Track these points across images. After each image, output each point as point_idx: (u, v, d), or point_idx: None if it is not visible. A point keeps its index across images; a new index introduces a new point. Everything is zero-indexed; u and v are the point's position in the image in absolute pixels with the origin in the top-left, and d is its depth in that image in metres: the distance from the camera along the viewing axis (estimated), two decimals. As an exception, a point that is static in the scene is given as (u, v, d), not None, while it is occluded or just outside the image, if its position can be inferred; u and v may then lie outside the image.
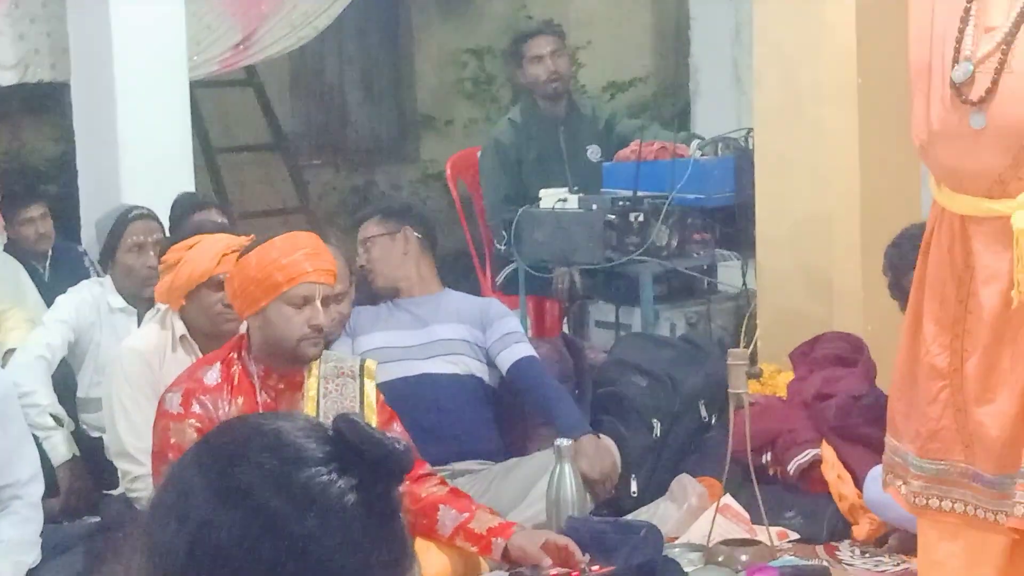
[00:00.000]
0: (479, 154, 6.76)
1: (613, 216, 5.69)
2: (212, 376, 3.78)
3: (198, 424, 3.67)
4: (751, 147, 5.81)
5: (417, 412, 4.37)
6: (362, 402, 3.86)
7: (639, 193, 5.78)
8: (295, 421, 1.37)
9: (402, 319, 4.79)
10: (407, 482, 3.73)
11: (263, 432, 1.36)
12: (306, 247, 3.76)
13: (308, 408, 3.76)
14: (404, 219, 5.01)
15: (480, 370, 4.76)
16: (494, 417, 4.77)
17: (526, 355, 4.71)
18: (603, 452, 4.40)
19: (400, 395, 4.35)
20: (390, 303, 4.85)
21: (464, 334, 4.75)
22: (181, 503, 1.33)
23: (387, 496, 1.34)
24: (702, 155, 5.96)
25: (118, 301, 5.12)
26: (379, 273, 4.89)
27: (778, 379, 5.07)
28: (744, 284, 5.88)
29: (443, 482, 3.89)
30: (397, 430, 3.87)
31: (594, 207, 5.78)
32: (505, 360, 4.71)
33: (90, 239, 6.05)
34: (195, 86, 7.02)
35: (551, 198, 5.96)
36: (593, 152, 6.49)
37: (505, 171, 6.50)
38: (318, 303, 3.71)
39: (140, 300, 5.07)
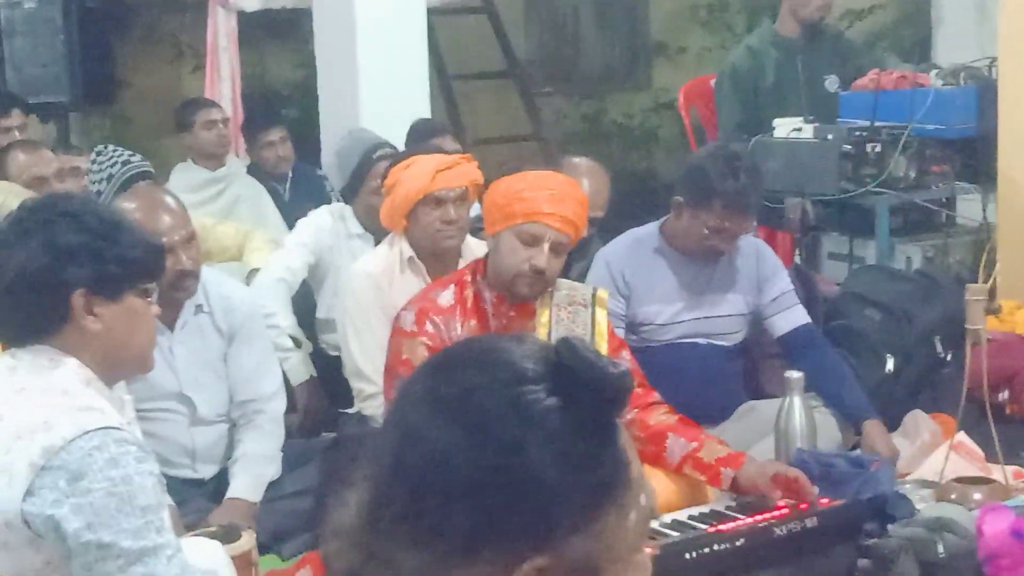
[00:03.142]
0: (715, 80, 6.69)
1: (849, 146, 5.60)
2: (446, 297, 3.84)
3: (430, 343, 3.74)
4: (994, 77, 5.63)
5: (679, 379, 4.25)
6: (593, 330, 3.87)
7: (877, 123, 5.67)
8: (523, 344, 1.38)
9: (681, 283, 4.48)
10: (635, 410, 3.79)
11: (486, 350, 1.38)
12: (553, 189, 3.73)
13: (539, 335, 3.78)
14: None
15: (744, 333, 4.62)
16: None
17: (803, 323, 4.51)
18: (888, 437, 4.29)
19: (663, 362, 4.29)
20: (666, 255, 4.48)
21: (741, 307, 4.53)
22: (398, 412, 1.37)
23: (601, 418, 1.34)
24: (943, 85, 5.81)
25: (356, 227, 5.23)
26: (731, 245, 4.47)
27: (1017, 316, 4.95)
28: (984, 218, 5.72)
29: (672, 411, 3.87)
30: (626, 357, 3.89)
31: (830, 137, 5.69)
32: (779, 325, 4.51)
33: (330, 163, 6.19)
34: (432, 13, 7.09)
35: (786, 127, 5.88)
36: (831, 82, 6.36)
37: (740, 98, 6.42)
38: (546, 247, 3.68)
39: (379, 230, 5.19)
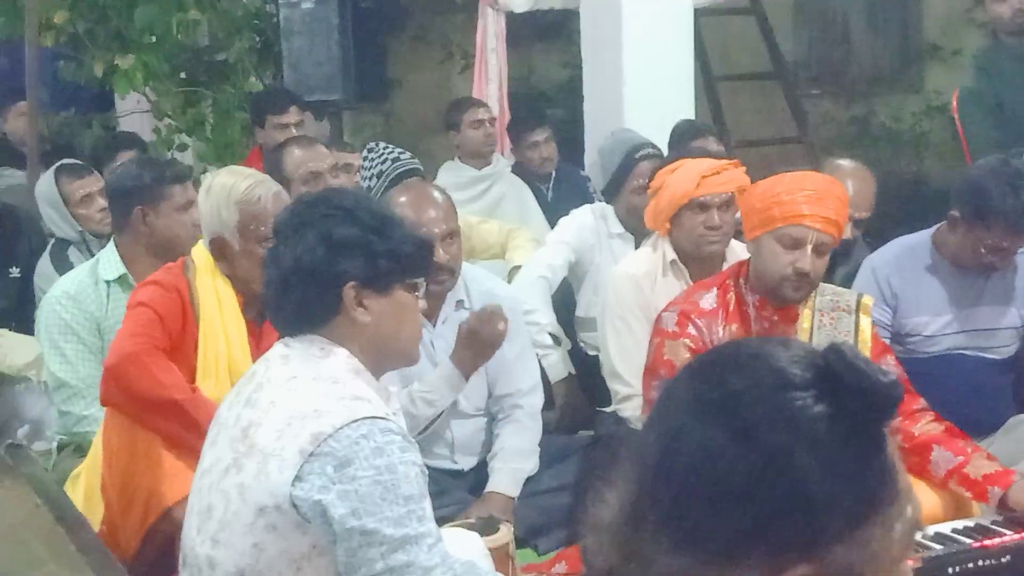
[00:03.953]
0: (957, 103, 6.52)
1: None
2: (708, 300, 3.83)
3: (691, 344, 3.74)
4: None
5: (946, 391, 4.09)
6: (856, 337, 3.80)
7: None
8: (789, 348, 1.36)
9: (951, 295, 4.36)
10: (900, 418, 3.71)
11: (753, 354, 1.37)
12: (812, 190, 3.68)
13: (801, 340, 3.73)
14: None
15: (1016, 346, 4.45)
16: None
17: None
18: None
19: (931, 373, 4.17)
20: (936, 265, 4.37)
21: (1015, 320, 4.40)
22: (663, 413, 1.37)
23: (869, 427, 1.32)
24: None
25: (617, 227, 5.24)
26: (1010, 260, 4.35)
27: None
28: None
29: (938, 419, 3.78)
30: (891, 363, 3.81)
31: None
32: None
33: (592, 163, 6.22)
34: (699, 14, 7.06)
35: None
36: None
37: (985, 117, 6.22)
38: (808, 248, 3.64)
39: (639, 230, 5.19)
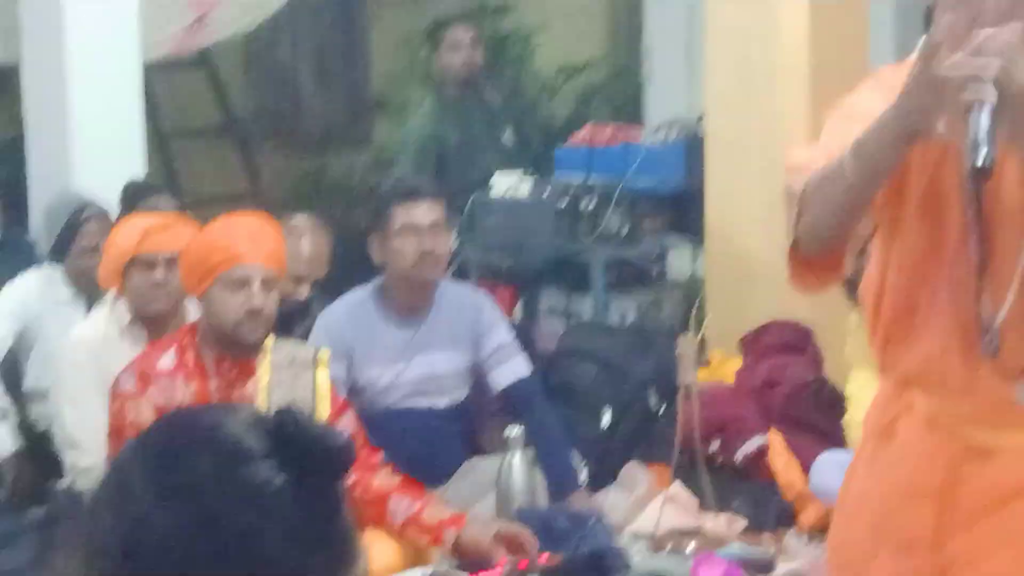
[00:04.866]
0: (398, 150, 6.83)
1: (564, 203, 5.70)
2: (166, 361, 3.78)
3: (153, 404, 3.66)
4: (702, 134, 5.82)
5: (400, 444, 4.14)
6: (314, 393, 3.84)
7: (591, 179, 5.80)
8: (237, 414, 1.36)
9: (397, 343, 4.41)
10: (355, 473, 3.76)
11: (203, 427, 1.35)
12: (244, 229, 3.74)
13: (260, 396, 3.75)
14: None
15: (465, 391, 4.57)
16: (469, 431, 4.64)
17: (523, 376, 4.48)
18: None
19: (384, 427, 4.19)
20: (384, 316, 4.45)
21: (458, 364, 4.48)
22: (118, 499, 1.33)
23: (328, 491, 1.34)
24: (654, 141, 5.99)
25: (65, 292, 5.08)
26: (441, 266, 4.50)
27: (727, 366, 5.09)
28: (694, 271, 5.89)
29: (396, 471, 3.88)
30: (348, 419, 3.87)
31: (545, 194, 5.79)
32: (498, 380, 4.46)
33: (40, 226, 6.00)
34: (148, 69, 6.96)
35: (503, 184, 5.97)
36: (507, 137, 6.59)
37: (423, 163, 6.50)
38: (255, 286, 3.66)
39: (93, 292, 5.04)
